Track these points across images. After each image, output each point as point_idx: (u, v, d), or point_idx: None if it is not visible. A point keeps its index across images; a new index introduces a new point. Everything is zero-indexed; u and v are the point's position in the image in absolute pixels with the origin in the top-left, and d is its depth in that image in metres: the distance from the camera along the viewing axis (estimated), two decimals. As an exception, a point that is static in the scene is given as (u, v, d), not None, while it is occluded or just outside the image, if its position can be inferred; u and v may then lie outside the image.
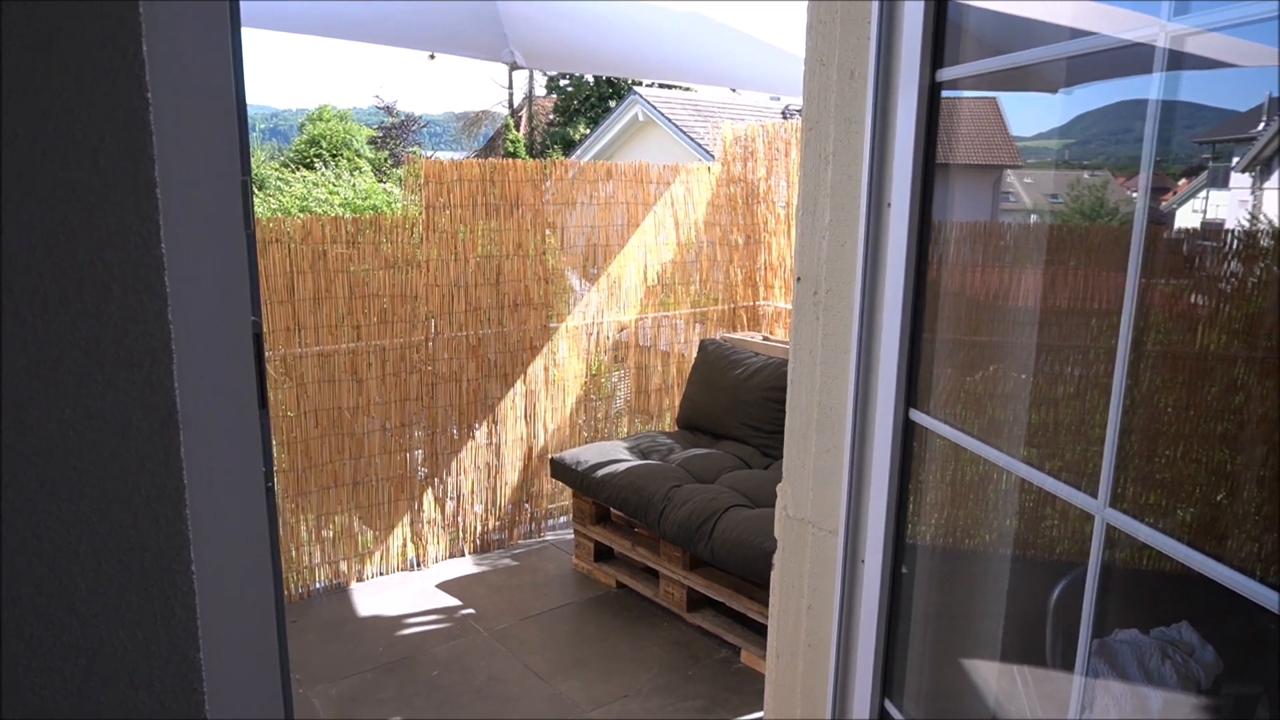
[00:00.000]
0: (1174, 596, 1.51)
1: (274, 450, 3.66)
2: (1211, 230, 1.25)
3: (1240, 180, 1.20)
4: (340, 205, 12.24)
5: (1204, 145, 1.21)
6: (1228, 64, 1.09)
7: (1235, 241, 1.24)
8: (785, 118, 9.89)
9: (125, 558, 0.67)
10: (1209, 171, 1.22)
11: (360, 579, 4.00)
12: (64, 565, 0.65)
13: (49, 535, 0.64)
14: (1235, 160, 1.20)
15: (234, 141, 0.85)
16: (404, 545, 4.10)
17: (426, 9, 3.68)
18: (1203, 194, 1.21)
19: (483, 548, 4.36)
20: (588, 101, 22.56)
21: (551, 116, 23.74)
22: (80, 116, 0.61)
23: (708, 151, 11.66)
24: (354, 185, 13.30)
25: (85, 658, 0.67)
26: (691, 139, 12.98)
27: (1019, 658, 1.72)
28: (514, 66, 3.49)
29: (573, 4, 3.78)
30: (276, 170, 16.34)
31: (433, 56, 4.24)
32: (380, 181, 14.22)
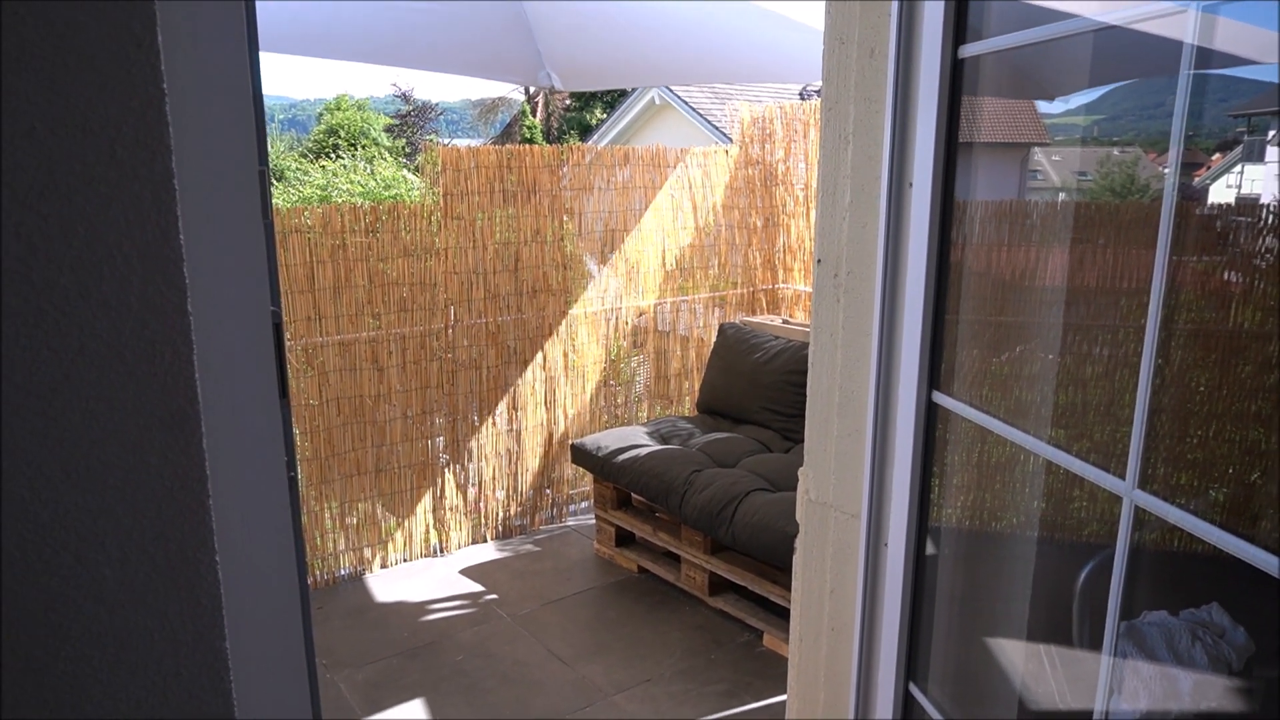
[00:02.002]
0: (1204, 578, 1.49)
1: (297, 439, 3.69)
2: (1246, 205, 1.22)
3: (1276, 154, 1.17)
4: (361, 194, 12.29)
5: (1239, 118, 1.18)
6: (1263, 31, 1.06)
7: (1271, 216, 1.21)
8: (803, 98, 9.80)
9: (150, 548, 0.67)
10: (1244, 145, 1.19)
11: (384, 565, 4.04)
12: (91, 556, 0.65)
13: (75, 526, 0.64)
14: (1271, 133, 1.17)
15: (251, 131, 0.85)
16: (427, 532, 4.13)
17: (461, 34, 3.68)
18: (1237, 168, 1.18)
19: (505, 533, 4.38)
20: (604, 86, 22.46)
21: (568, 102, 23.67)
22: (97, 108, 0.61)
23: (725, 134, 11.59)
24: (372, 173, 13.35)
25: (113, 648, 0.67)
26: (708, 121, 12.90)
27: (1045, 640, 1.71)
28: (551, 91, 3.50)
29: (602, 6, 3.76)
30: (296, 161, 16.43)
31: None
32: (403, 169, 14.26)
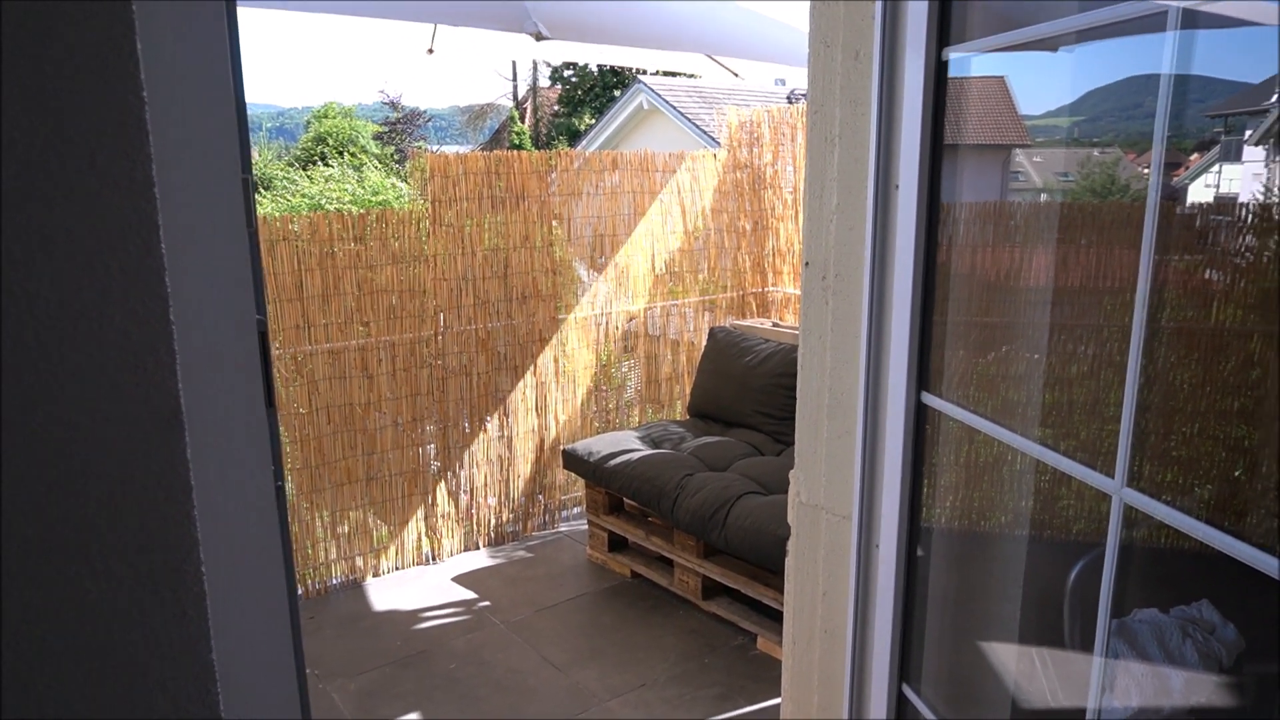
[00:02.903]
0: (1194, 575, 1.50)
1: (286, 448, 3.67)
2: (1225, 204, 1.23)
3: (1254, 153, 1.18)
4: (350, 202, 12.26)
5: (1216, 119, 1.19)
6: (1240, 33, 1.07)
7: (1249, 215, 1.22)
8: (791, 102, 9.83)
9: (134, 560, 0.66)
10: (1221, 145, 1.20)
11: (376, 574, 4.02)
12: (74, 569, 0.65)
13: (58, 539, 0.64)
14: (1248, 133, 1.18)
15: (233, 139, 0.84)
16: (419, 539, 4.12)
17: None
18: (1215, 168, 1.19)
19: (497, 540, 4.37)
20: (592, 91, 22.51)
21: (556, 107, 23.70)
22: (76, 116, 0.60)
23: (713, 138, 11.61)
24: (361, 181, 13.33)
25: (98, 660, 0.66)
26: (697, 126, 12.93)
27: (1037, 640, 1.71)
28: (539, 37, 3.44)
29: None
30: (284, 169, 16.39)
31: (431, 50, 4.21)
32: (392, 177, 14.24)
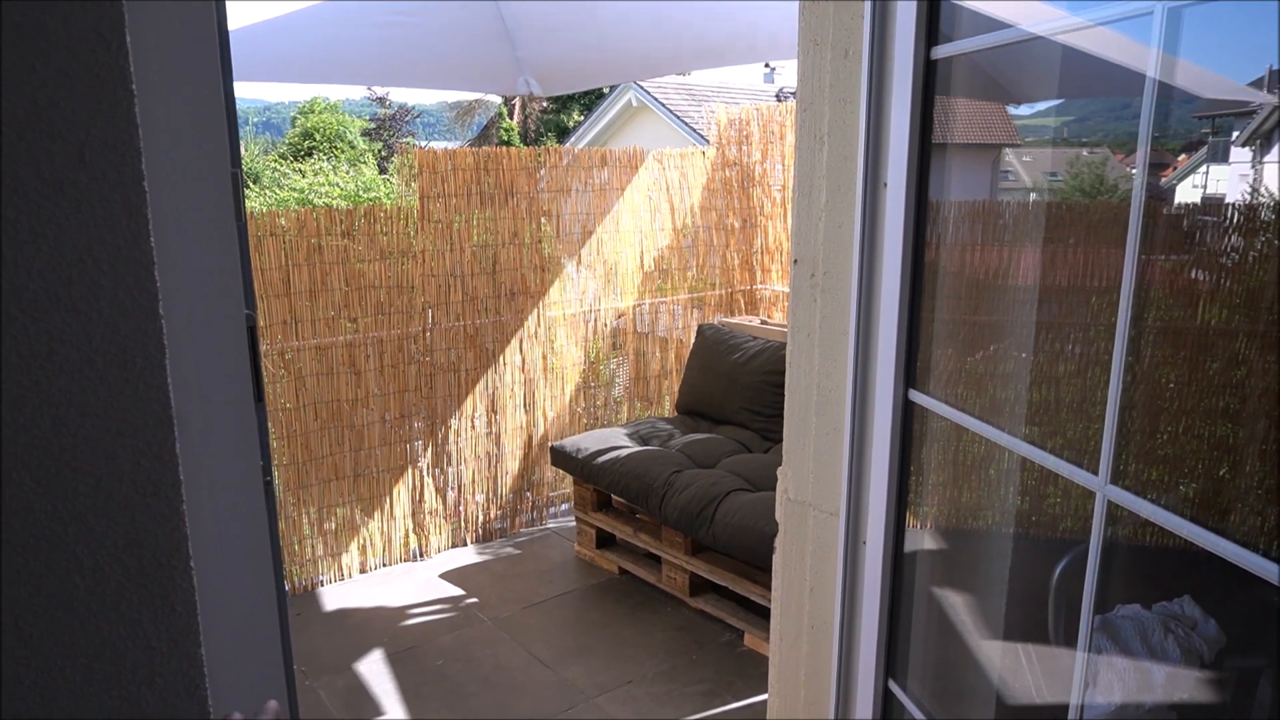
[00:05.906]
0: (1176, 571, 1.51)
1: (274, 444, 3.66)
2: (1212, 205, 1.24)
3: (1240, 154, 1.19)
4: (340, 197, 12.20)
5: (1203, 120, 1.20)
6: (1228, 35, 1.08)
7: (1236, 215, 1.23)
8: (780, 100, 9.84)
9: (123, 556, 0.66)
10: (1209, 146, 1.21)
11: (364, 570, 4.01)
12: (62, 564, 0.64)
13: (46, 534, 0.63)
14: (1235, 134, 1.19)
15: (223, 134, 0.84)
16: (406, 536, 4.11)
17: (439, 45, 3.67)
18: (1202, 169, 1.20)
19: (485, 537, 4.36)
20: (581, 88, 22.45)
21: (545, 104, 23.62)
22: (64, 110, 0.60)
23: (702, 136, 11.61)
24: (356, 178, 13.26)
25: (86, 657, 0.66)
26: (685, 123, 12.93)
27: (1022, 636, 1.72)
28: (530, 98, 3.56)
29: (575, 5, 3.76)
30: (275, 163, 16.29)
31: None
32: (382, 173, 14.17)
